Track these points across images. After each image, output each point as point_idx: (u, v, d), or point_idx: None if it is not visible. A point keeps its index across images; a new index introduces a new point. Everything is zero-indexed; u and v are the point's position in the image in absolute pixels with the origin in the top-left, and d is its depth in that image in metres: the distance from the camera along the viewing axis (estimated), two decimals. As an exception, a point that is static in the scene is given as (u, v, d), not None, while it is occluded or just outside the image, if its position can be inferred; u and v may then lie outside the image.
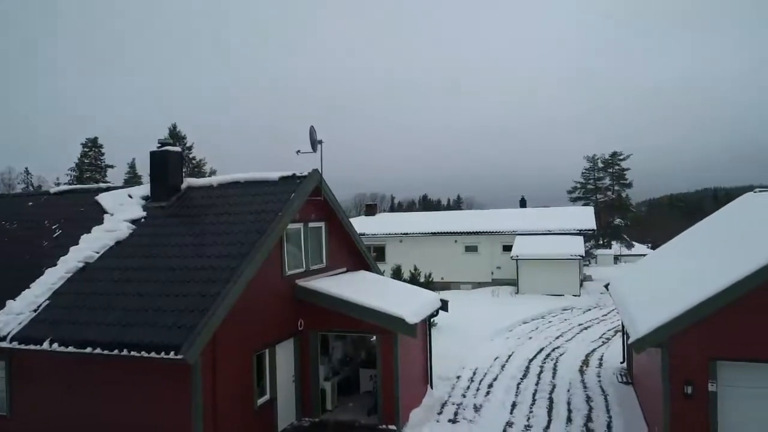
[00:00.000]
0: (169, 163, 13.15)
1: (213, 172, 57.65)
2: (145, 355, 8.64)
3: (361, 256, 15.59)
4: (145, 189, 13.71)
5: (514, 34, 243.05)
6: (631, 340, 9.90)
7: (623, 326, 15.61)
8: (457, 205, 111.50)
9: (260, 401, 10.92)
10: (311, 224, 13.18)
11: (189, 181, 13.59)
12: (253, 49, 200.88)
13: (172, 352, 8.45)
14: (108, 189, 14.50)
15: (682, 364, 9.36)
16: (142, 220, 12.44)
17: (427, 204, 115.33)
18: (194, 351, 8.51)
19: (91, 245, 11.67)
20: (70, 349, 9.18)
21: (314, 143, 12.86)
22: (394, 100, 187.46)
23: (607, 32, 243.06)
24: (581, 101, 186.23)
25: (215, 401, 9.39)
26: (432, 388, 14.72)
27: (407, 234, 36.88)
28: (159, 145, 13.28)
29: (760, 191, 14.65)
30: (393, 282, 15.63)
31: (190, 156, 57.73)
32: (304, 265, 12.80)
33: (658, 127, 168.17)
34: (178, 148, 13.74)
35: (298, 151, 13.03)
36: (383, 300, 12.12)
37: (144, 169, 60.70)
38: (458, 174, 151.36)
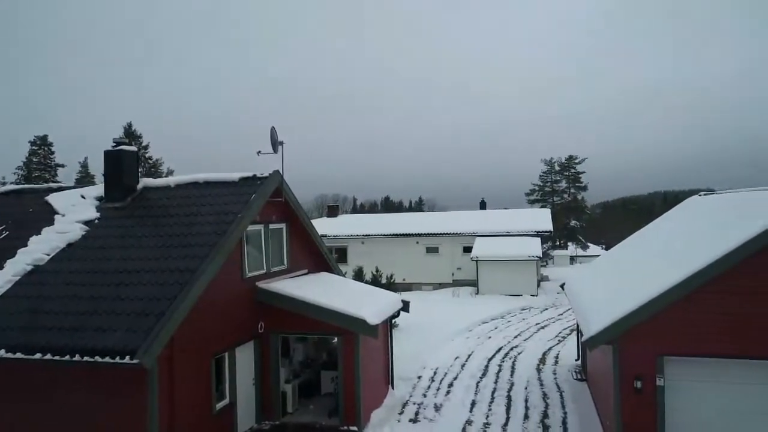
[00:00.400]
0: (125, 163, 12.81)
1: (170, 172, 56.23)
2: (99, 360, 8.38)
3: (322, 257, 15.56)
4: (98, 189, 13.31)
5: (478, 38, 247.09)
6: (584, 338, 10.26)
7: (578, 325, 16.11)
8: (418, 206, 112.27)
9: (219, 405, 10.76)
10: (272, 226, 13.08)
11: (145, 182, 13.27)
12: (215, 44, 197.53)
13: (127, 357, 8.23)
14: (59, 189, 13.99)
15: (631, 361, 9.76)
16: (96, 221, 12.07)
17: (389, 205, 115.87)
18: (151, 355, 8.32)
19: (41, 247, 11.23)
20: (18, 355, 8.80)
21: (275, 144, 12.77)
22: (356, 101, 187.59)
23: (566, 40, 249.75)
24: (541, 105, 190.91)
25: (172, 406, 9.21)
26: (393, 388, 14.83)
27: (369, 235, 36.97)
28: (114, 144, 12.92)
29: (705, 195, 15.41)
30: (354, 283, 15.68)
31: (146, 155, 56.15)
32: (265, 267, 12.69)
33: (613, 131, 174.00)
34: (133, 148, 13.40)
35: (259, 152, 12.92)
36: (344, 301, 12.14)
37: (97, 169, 58.84)
38: (420, 176, 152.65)
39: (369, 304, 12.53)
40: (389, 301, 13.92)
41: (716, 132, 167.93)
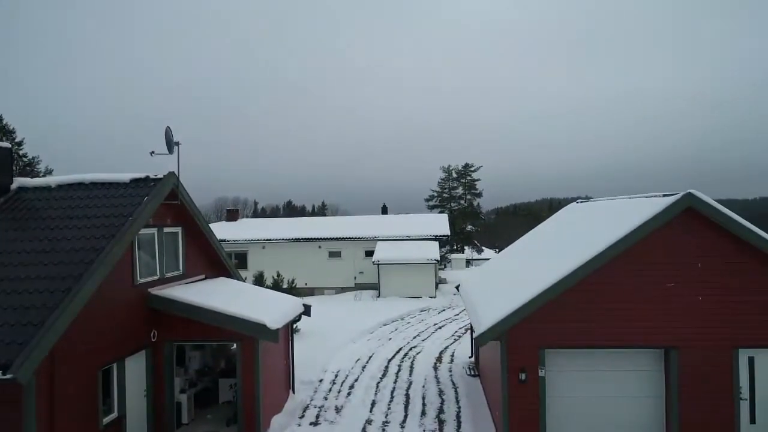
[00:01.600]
0: (-4, 161, 11.67)
1: (48, 172, 51.42)
2: (-36, 377, 7.60)
3: (221, 262, 15.12)
4: (-37, 189, 11.99)
5: (380, 43, 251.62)
6: (475, 335, 10.94)
7: (471, 324, 17.05)
8: (321, 211, 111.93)
9: (107, 420, 10.13)
10: (167, 229, 12.55)
11: (21, 181, 12.18)
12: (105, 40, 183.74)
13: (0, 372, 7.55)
14: None
15: (517, 354, 10.58)
16: (-40, 224, 10.88)
17: (291, 210, 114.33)
18: (27, 369, 7.69)
19: None
20: None
21: (170, 144, 12.28)
22: (255, 102, 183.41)
23: (469, 51, 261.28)
24: (443, 114, 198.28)
25: (52, 424, 8.55)
26: (294, 392, 14.77)
27: (270, 240, 36.31)
28: (-17, 139, 11.73)
29: (581, 202, 17.02)
30: (254, 288, 15.39)
31: (21, 153, 50.93)
32: (159, 273, 12.14)
33: (505, 143, 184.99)
34: (6, 144, 12.25)
35: (153, 152, 12.35)
36: (244, 306, 11.92)
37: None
38: (323, 180, 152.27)
39: (269, 309, 12.42)
40: (290, 305, 13.86)
41: (596, 148, 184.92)
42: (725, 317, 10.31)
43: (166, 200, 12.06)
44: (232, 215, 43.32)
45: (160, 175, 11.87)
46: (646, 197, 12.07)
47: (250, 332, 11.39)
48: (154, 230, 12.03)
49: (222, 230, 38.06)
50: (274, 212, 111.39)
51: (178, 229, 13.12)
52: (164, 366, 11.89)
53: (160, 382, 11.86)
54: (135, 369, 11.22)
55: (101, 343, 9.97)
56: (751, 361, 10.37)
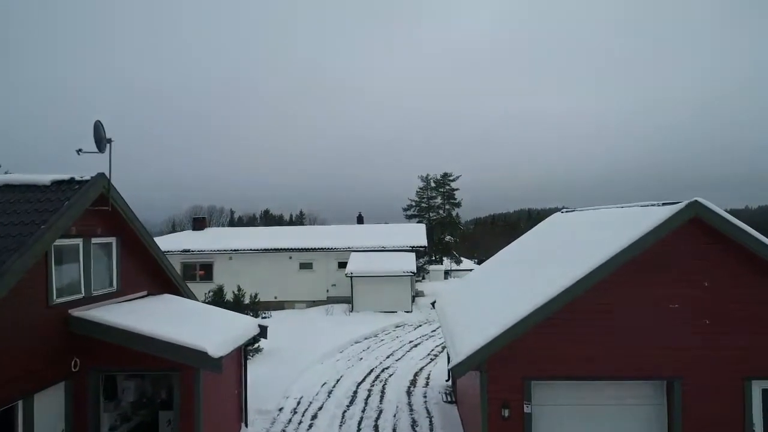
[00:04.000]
0: None
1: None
2: None
3: (167, 277, 13.39)
4: None
5: (367, 52, 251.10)
6: (450, 365, 9.41)
7: (447, 351, 15.56)
8: (299, 220, 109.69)
9: (5, 471, 8.36)
10: (96, 240, 10.82)
11: None
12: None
13: None
14: None
15: (498, 387, 9.11)
16: None
17: (269, 219, 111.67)
18: None
19: None
20: None
21: (101, 141, 10.59)
22: (234, 108, 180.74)
23: (447, 68, 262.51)
24: (423, 121, 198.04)
25: None
26: (247, 425, 13.06)
27: (237, 250, 34.37)
28: None
29: (566, 212, 15.76)
30: (203, 307, 13.65)
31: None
32: (84, 290, 10.39)
33: (486, 154, 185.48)
34: None
35: (80, 150, 10.65)
36: (186, 330, 10.26)
37: None
38: (302, 188, 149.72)
39: (215, 332, 10.78)
40: (242, 327, 12.19)
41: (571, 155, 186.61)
42: (736, 343, 9.01)
43: (94, 206, 10.38)
44: (199, 224, 41.25)
45: (87, 177, 10.21)
46: (642, 206, 10.79)
47: (189, 361, 9.70)
48: (78, 241, 10.31)
49: (188, 240, 36.15)
50: (250, 221, 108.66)
51: (112, 240, 11.40)
52: (88, 400, 10.12)
53: (83, 419, 10.08)
54: (49, 405, 9.44)
55: (1, 378, 8.23)
56: (765, 393, 9.08)
